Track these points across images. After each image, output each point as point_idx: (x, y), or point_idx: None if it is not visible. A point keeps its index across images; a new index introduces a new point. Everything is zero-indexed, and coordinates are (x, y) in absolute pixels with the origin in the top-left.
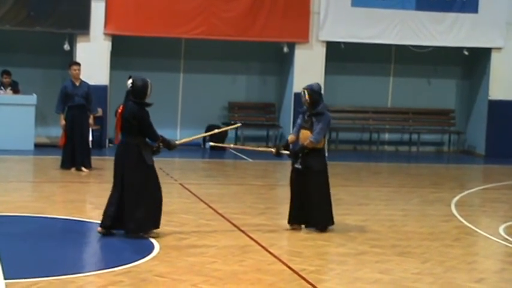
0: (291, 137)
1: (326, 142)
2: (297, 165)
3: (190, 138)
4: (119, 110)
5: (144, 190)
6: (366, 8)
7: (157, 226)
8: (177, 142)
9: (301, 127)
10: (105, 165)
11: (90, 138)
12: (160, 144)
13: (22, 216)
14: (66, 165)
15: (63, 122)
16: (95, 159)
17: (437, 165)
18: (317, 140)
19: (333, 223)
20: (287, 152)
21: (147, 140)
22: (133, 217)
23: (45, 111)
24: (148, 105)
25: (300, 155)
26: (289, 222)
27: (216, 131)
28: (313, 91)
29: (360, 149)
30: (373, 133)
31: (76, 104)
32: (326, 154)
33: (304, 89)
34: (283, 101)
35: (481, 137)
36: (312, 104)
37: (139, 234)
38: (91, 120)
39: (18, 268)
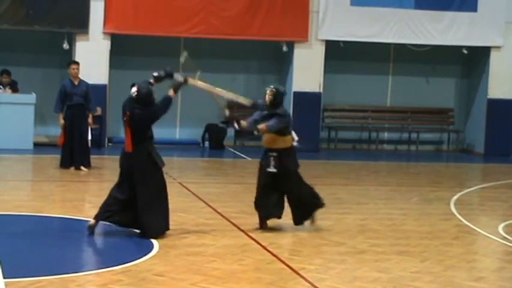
0: (243, 121)
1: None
2: (271, 169)
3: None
4: (125, 118)
5: (160, 194)
6: (365, 7)
7: (168, 227)
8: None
9: (257, 122)
10: (104, 165)
11: (89, 137)
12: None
13: (21, 215)
14: (65, 164)
15: (62, 121)
16: (94, 158)
17: (437, 164)
18: (272, 126)
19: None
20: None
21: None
22: (152, 222)
23: (44, 110)
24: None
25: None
26: (266, 218)
27: (225, 95)
28: (279, 92)
29: (359, 148)
30: (372, 132)
31: (75, 103)
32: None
33: (271, 87)
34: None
35: (480, 136)
36: (273, 105)
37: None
38: (90, 120)
39: (18, 267)
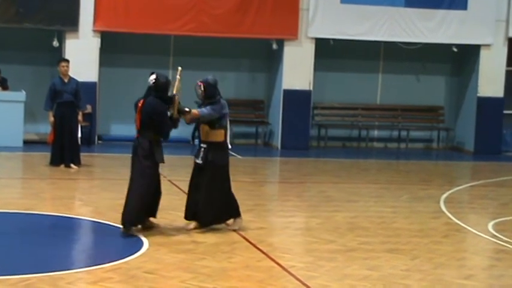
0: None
1: (228, 136)
2: (198, 160)
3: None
4: (139, 105)
5: (146, 184)
6: (355, 5)
7: (142, 222)
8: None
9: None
10: (94, 162)
11: (79, 134)
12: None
13: (11, 213)
14: (55, 162)
15: (52, 118)
16: (84, 156)
17: (426, 162)
18: (203, 113)
19: (218, 222)
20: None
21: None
22: (128, 210)
23: (34, 107)
24: (168, 101)
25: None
26: (186, 218)
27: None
28: (208, 84)
29: (349, 146)
30: (362, 130)
31: (65, 100)
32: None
33: (199, 82)
34: (272, 97)
35: (470, 134)
36: (207, 98)
37: (130, 227)
38: (80, 117)
39: (8, 265)
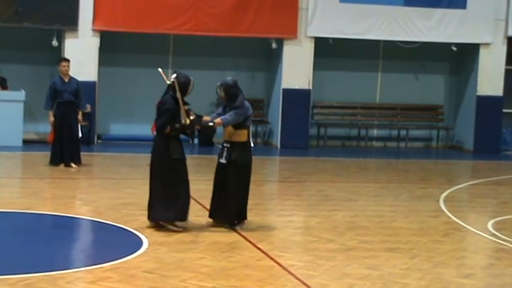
0: (206, 117)
1: (251, 136)
2: (222, 160)
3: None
4: (158, 101)
5: (169, 183)
6: (354, 4)
7: (181, 218)
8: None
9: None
10: (93, 161)
11: (80, 134)
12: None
13: (11, 212)
14: (55, 161)
15: (52, 118)
16: (83, 155)
17: (426, 161)
18: (226, 119)
19: (243, 218)
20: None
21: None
22: (156, 207)
23: (34, 107)
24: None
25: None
26: (209, 216)
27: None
28: (228, 86)
29: (348, 145)
30: (362, 129)
31: (65, 100)
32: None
33: (219, 85)
34: (271, 97)
35: (469, 133)
36: (229, 99)
37: (160, 223)
38: (80, 117)
39: (7, 264)
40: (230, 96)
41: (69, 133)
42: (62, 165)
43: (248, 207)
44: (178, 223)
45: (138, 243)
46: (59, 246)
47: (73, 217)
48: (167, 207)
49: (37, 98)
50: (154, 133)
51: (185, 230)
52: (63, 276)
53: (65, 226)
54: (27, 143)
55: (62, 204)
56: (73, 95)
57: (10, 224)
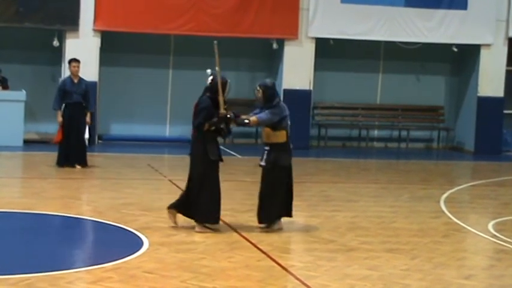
0: (242, 116)
1: (288, 136)
2: (262, 163)
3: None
4: (195, 103)
5: (204, 183)
6: (355, 5)
7: (216, 221)
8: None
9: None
10: (94, 162)
11: (87, 135)
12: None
13: (12, 212)
14: (62, 162)
15: (60, 118)
16: None
17: (427, 162)
18: (261, 118)
19: (277, 217)
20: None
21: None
22: (197, 208)
23: (35, 107)
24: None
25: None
26: (259, 223)
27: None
28: (267, 87)
29: (349, 146)
30: (362, 130)
31: (74, 101)
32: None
33: (257, 85)
34: None
35: (470, 134)
36: (266, 100)
37: (204, 224)
38: (88, 118)
39: (8, 264)
40: (267, 97)
41: (76, 134)
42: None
43: (288, 207)
44: (210, 225)
45: (139, 244)
46: (60, 246)
47: (74, 217)
48: (204, 208)
49: (38, 98)
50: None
51: (217, 231)
52: (63, 276)
53: (66, 226)
54: (28, 143)
55: (62, 204)
56: (82, 96)
57: (11, 224)
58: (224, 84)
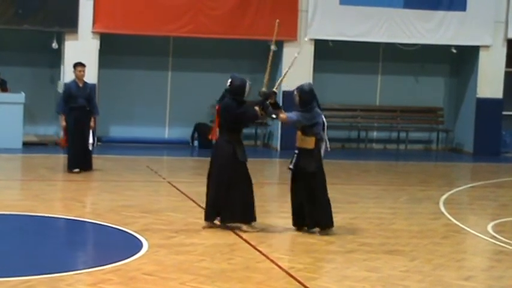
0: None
1: (318, 143)
2: (290, 166)
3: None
4: (217, 109)
5: (234, 184)
6: (354, 6)
7: (247, 220)
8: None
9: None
10: (94, 164)
11: (91, 140)
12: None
13: (11, 214)
14: (73, 166)
15: (64, 123)
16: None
17: (426, 163)
18: (291, 118)
19: (328, 225)
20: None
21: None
22: (227, 208)
23: (34, 109)
24: (244, 102)
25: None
26: (294, 225)
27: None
28: (303, 91)
29: (348, 147)
30: (362, 131)
31: (80, 105)
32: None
33: (295, 89)
34: None
35: (469, 135)
36: (302, 105)
37: (231, 223)
38: (92, 123)
39: (7, 266)
40: (303, 101)
41: (81, 139)
42: (76, 170)
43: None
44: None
45: (138, 246)
46: (59, 248)
47: (73, 219)
48: (237, 208)
49: (37, 100)
50: (214, 138)
51: (258, 231)
52: (63, 279)
53: (65, 228)
54: (27, 145)
55: (62, 207)
56: (87, 100)
57: (10, 226)
58: (242, 87)
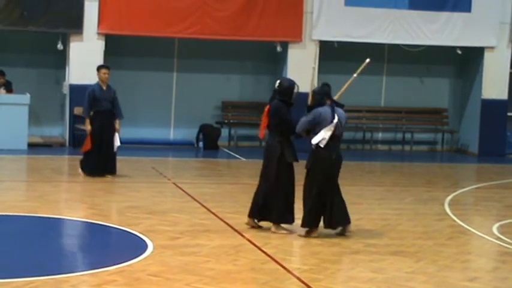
0: None
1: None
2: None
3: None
4: (266, 109)
5: (282, 184)
6: (359, 7)
7: (292, 221)
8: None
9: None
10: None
11: (118, 143)
12: None
13: (16, 215)
14: (91, 171)
15: (89, 126)
16: None
17: (431, 164)
18: (297, 129)
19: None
20: None
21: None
22: (274, 208)
23: (39, 110)
24: (291, 104)
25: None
26: (326, 227)
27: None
28: (314, 92)
29: (354, 148)
30: (367, 132)
31: (105, 108)
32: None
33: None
34: None
35: (474, 136)
36: (313, 105)
37: (279, 225)
38: (118, 126)
39: (12, 267)
40: (314, 101)
41: (107, 142)
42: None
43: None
44: (286, 226)
45: (143, 247)
46: (64, 249)
47: (78, 220)
48: (284, 209)
49: (42, 101)
50: (261, 137)
51: (292, 232)
52: (68, 280)
53: (70, 229)
54: (32, 147)
55: (66, 208)
56: (111, 103)
57: (15, 227)
58: (290, 89)
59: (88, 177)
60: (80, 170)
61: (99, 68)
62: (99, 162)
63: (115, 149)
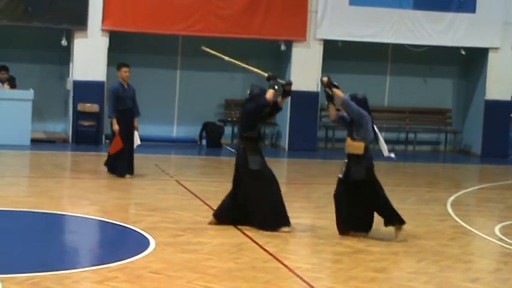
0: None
1: (366, 151)
2: (340, 175)
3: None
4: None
5: (253, 192)
6: (363, 7)
7: (274, 227)
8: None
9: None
10: (101, 162)
11: (139, 142)
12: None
13: (18, 211)
14: (124, 171)
15: (116, 126)
16: (90, 156)
17: (434, 165)
18: (348, 101)
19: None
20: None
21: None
22: (256, 215)
23: (42, 106)
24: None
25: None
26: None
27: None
28: (352, 98)
29: None
30: None
31: (128, 107)
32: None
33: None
34: None
35: (477, 137)
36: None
37: (272, 229)
38: (136, 124)
39: (14, 263)
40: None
41: (131, 142)
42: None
43: None
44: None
45: (145, 244)
46: (66, 245)
47: (80, 216)
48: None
49: (46, 97)
50: None
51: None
52: (69, 276)
53: (72, 226)
54: (35, 142)
55: (69, 204)
56: (132, 101)
57: (17, 223)
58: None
59: (119, 177)
60: (109, 172)
61: (119, 67)
62: (127, 162)
63: (135, 147)
